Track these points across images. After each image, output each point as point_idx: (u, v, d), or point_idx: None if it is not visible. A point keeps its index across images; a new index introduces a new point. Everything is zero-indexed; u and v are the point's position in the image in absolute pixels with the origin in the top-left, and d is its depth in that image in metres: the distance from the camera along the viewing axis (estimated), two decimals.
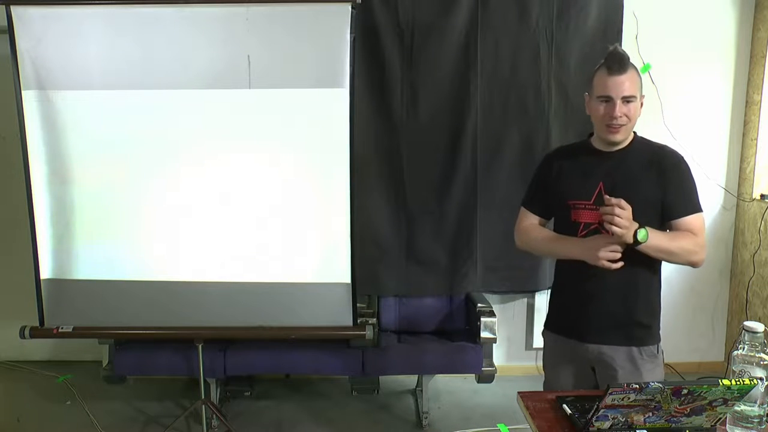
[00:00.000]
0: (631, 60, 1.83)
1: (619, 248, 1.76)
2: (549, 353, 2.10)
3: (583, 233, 1.86)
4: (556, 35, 3.41)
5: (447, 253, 3.54)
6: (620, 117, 1.79)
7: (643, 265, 1.83)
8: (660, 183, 1.82)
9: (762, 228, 3.53)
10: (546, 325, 2.10)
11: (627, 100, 1.78)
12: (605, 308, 1.88)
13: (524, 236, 2.06)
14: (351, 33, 2.71)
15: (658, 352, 1.91)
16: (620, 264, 1.77)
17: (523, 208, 2.09)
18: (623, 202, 1.70)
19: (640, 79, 1.84)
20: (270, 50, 2.73)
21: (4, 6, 2.71)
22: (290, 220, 2.85)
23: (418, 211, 3.51)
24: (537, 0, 3.37)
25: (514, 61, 3.43)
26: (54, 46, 2.73)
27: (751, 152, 3.66)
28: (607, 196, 1.73)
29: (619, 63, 1.79)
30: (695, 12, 3.59)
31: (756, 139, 3.61)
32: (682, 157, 1.87)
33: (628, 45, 3.47)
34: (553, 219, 2.04)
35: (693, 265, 1.84)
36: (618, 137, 1.83)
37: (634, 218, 1.74)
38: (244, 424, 3.26)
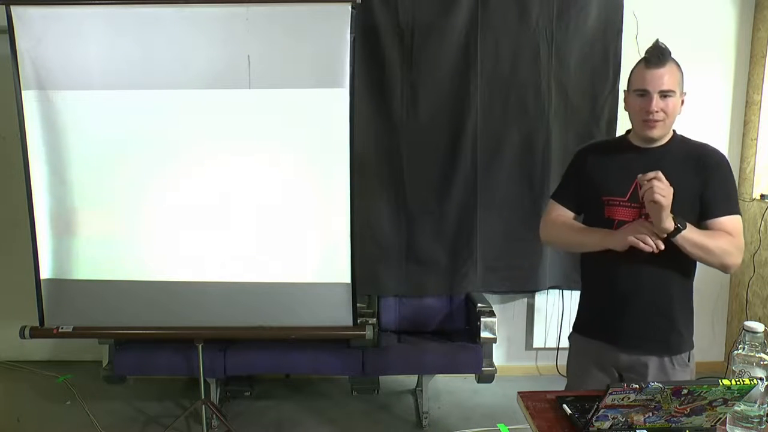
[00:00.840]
0: (670, 54, 1.77)
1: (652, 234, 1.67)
2: (577, 358, 2.01)
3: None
4: (556, 35, 3.41)
5: (447, 253, 3.54)
6: (657, 112, 1.72)
7: (677, 265, 1.76)
8: (700, 181, 1.75)
9: (762, 228, 3.53)
10: (575, 327, 2.02)
11: (665, 94, 1.72)
12: (643, 314, 1.81)
13: (551, 227, 1.96)
14: (351, 33, 2.71)
15: (689, 359, 1.85)
16: (656, 247, 1.67)
17: (552, 201, 2.01)
18: (660, 174, 1.61)
19: (682, 74, 1.77)
20: (270, 50, 2.73)
21: (4, 6, 2.71)
22: (290, 220, 2.85)
23: (418, 211, 3.51)
24: (537, 0, 3.37)
25: (514, 61, 3.43)
26: (54, 46, 2.73)
27: (751, 152, 3.66)
28: (641, 176, 1.64)
29: (657, 56, 1.73)
30: (695, 12, 3.59)
31: (756, 139, 3.61)
32: (724, 157, 1.81)
33: (628, 45, 3.47)
34: (583, 215, 1.97)
35: (726, 268, 1.77)
36: (655, 133, 1.76)
37: (675, 217, 1.68)
38: (244, 424, 3.26)
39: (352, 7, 2.70)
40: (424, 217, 3.52)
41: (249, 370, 3.35)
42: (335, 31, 2.71)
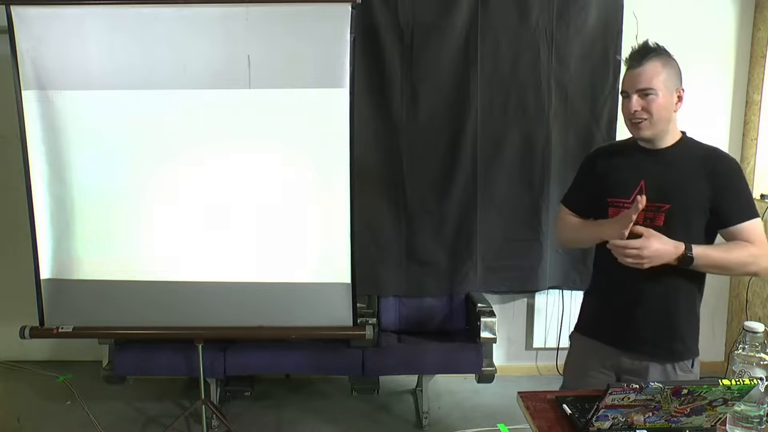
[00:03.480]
0: (663, 52, 1.74)
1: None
2: (576, 358, 2.01)
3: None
4: (556, 35, 3.41)
5: (447, 253, 3.54)
6: (637, 112, 1.70)
7: (688, 274, 1.73)
8: (712, 187, 1.71)
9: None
10: (577, 327, 2.01)
11: (645, 93, 1.70)
12: (646, 318, 1.80)
13: (563, 229, 2.00)
14: (351, 33, 2.71)
15: (693, 366, 1.83)
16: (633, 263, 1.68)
17: (561, 205, 2.03)
18: (644, 240, 1.63)
19: (672, 70, 1.73)
20: (270, 50, 2.73)
21: (4, 6, 2.71)
22: (290, 220, 2.85)
23: (418, 211, 3.51)
24: (537, 0, 3.37)
25: (514, 61, 3.43)
26: (54, 46, 2.73)
27: (751, 152, 3.66)
28: (613, 242, 1.67)
29: (634, 56, 1.72)
30: (695, 12, 3.59)
31: (756, 139, 3.61)
32: (736, 161, 1.78)
33: (628, 45, 3.46)
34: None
35: (754, 275, 1.77)
36: (643, 134, 1.74)
37: (678, 221, 1.70)
38: (244, 424, 3.26)
39: (352, 7, 2.70)
40: (424, 217, 3.52)
41: (249, 370, 3.35)
42: (335, 31, 2.71)
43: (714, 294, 3.86)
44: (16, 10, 2.69)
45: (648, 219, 1.74)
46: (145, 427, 3.24)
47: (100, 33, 2.74)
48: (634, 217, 1.68)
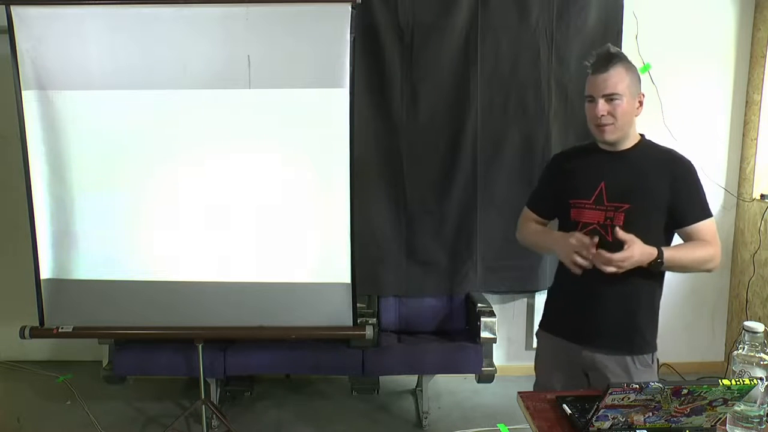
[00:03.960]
0: (625, 59, 1.79)
1: (590, 253, 1.73)
2: (543, 354, 2.08)
3: (582, 233, 1.84)
4: (556, 35, 3.41)
5: (447, 253, 3.54)
6: (602, 116, 1.76)
7: (646, 271, 1.77)
8: (670, 188, 1.78)
9: (762, 228, 3.53)
10: (542, 325, 2.07)
11: (610, 98, 1.75)
12: (606, 314, 1.86)
13: (523, 231, 2.07)
14: (351, 33, 2.71)
15: (652, 361, 1.89)
16: (581, 270, 1.76)
17: (525, 207, 2.10)
18: (627, 253, 1.67)
19: (634, 76, 1.79)
20: (270, 50, 2.73)
21: (4, 6, 2.71)
22: (290, 220, 2.85)
23: (418, 211, 3.51)
24: (537, 0, 3.37)
25: (514, 61, 3.43)
26: (54, 46, 2.73)
27: (751, 152, 3.66)
28: (600, 253, 1.70)
29: (600, 61, 1.77)
30: (695, 12, 3.59)
31: (756, 139, 3.61)
32: (691, 163, 1.84)
33: (628, 45, 3.47)
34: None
35: (709, 271, 1.84)
36: (607, 137, 1.80)
37: (638, 221, 1.74)
38: (244, 424, 3.26)
39: (352, 7, 2.70)
40: (424, 217, 3.52)
41: (249, 370, 3.35)
42: (335, 31, 2.71)
43: (714, 294, 3.86)
44: (16, 10, 2.69)
45: (608, 219, 1.80)
46: (145, 427, 3.24)
47: (100, 33, 2.74)
48: (593, 250, 1.73)
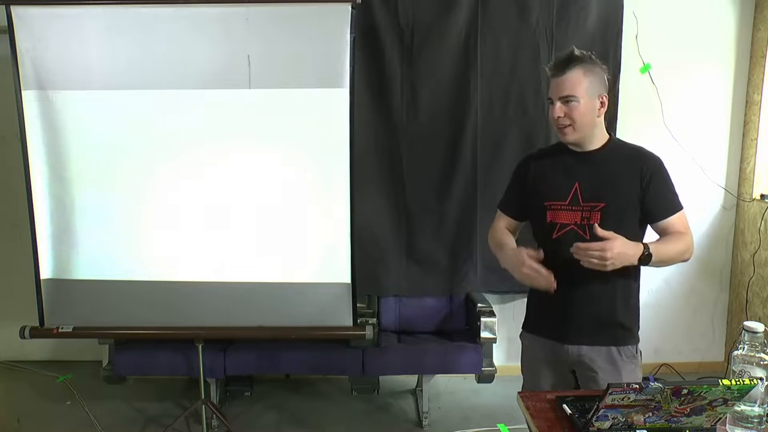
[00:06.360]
0: (587, 61, 1.80)
1: (539, 268, 1.78)
2: (528, 355, 2.10)
3: (559, 234, 1.86)
4: (556, 35, 3.41)
5: (447, 253, 3.54)
6: (559, 118, 1.79)
7: (621, 269, 1.76)
8: (641, 185, 1.81)
9: (762, 228, 3.53)
10: (524, 326, 2.10)
11: (566, 100, 1.78)
12: (585, 309, 1.88)
13: (491, 237, 2.08)
14: (351, 33, 2.71)
15: (636, 352, 1.91)
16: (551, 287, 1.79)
17: (498, 210, 2.11)
18: (607, 243, 1.66)
19: (594, 78, 1.80)
20: (270, 50, 2.73)
21: (4, 6, 2.71)
22: (290, 220, 2.85)
23: (418, 211, 3.51)
24: (537, 0, 3.37)
25: (514, 61, 3.43)
26: (54, 46, 2.73)
27: (751, 152, 3.66)
28: (575, 246, 1.70)
29: (557, 65, 1.80)
30: (695, 12, 3.59)
31: (756, 139, 3.61)
32: (660, 159, 1.87)
33: (628, 45, 3.47)
34: (529, 221, 2.04)
35: (685, 261, 1.87)
36: (567, 138, 1.84)
37: (614, 219, 1.76)
38: (244, 424, 3.26)
39: (352, 7, 2.70)
40: (424, 217, 3.52)
41: (249, 370, 3.35)
42: (335, 31, 2.71)
43: (714, 294, 3.86)
44: (16, 10, 2.69)
45: (584, 218, 1.82)
46: (145, 427, 3.24)
47: (100, 33, 2.74)
48: (544, 273, 1.78)
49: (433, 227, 3.53)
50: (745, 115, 3.71)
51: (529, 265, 1.80)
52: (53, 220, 2.86)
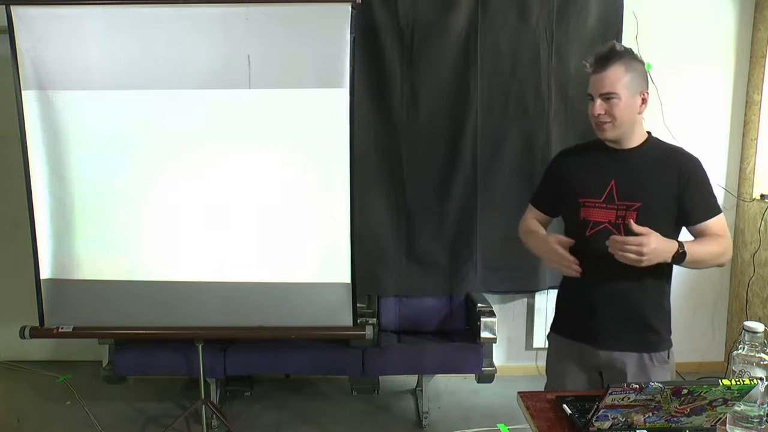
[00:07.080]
0: (627, 56, 1.77)
1: (566, 253, 1.79)
2: (555, 357, 2.04)
3: (592, 232, 1.83)
4: (556, 35, 3.41)
5: (447, 253, 3.54)
6: (599, 115, 1.76)
7: (653, 268, 1.74)
8: (678, 186, 1.77)
9: (762, 228, 3.53)
10: (553, 327, 2.05)
11: (607, 97, 1.75)
12: (617, 313, 1.84)
13: (522, 229, 2.08)
14: (351, 33, 2.71)
15: (669, 357, 1.88)
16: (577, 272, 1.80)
17: (529, 205, 2.09)
18: (644, 238, 1.64)
19: (636, 74, 1.77)
20: (270, 50, 2.73)
21: (4, 6, 2.71)
22: (290, 220, 2.85)
23: (418, 211, 3.51)
24: (537, 0, 3.37)
25: (514, 61, 3.43)
26: (54, 46, 2.72)
27: (751, 152, 3.66)
28: (610, 240, 1.69)
29: (598, 61, 1.77)
30: (695, 12, 3.59)
31: (756, 139, 3.61)
32: (699, 160, 1.83)
33: (628, 45, 3.45)
34: (561, 218, 2.01)
35: (721, 266, 1.85)
36: (606, 135, 1.80)
37: (649, 218, 1.72)
38: (244, 424, 3.26)
39: (352, 7, 2.70)
40: (424, 217, 3.52)
41: (249, 370, 3.35)
42: (335, 31, 2.71)
43: (714, 294, 3.86)
44: (16, 10, 2.69)
45: (619, 217, 1.79)
46: (145, 427, 3.24)
47: (100, 33, 2.74)
48: (570, 257, 1.81)
49: (433, 227, 3.52)
50: (745, 115, 3.71)
51: (556, 249, 1.81)
52: (53, 220, 2.86)
